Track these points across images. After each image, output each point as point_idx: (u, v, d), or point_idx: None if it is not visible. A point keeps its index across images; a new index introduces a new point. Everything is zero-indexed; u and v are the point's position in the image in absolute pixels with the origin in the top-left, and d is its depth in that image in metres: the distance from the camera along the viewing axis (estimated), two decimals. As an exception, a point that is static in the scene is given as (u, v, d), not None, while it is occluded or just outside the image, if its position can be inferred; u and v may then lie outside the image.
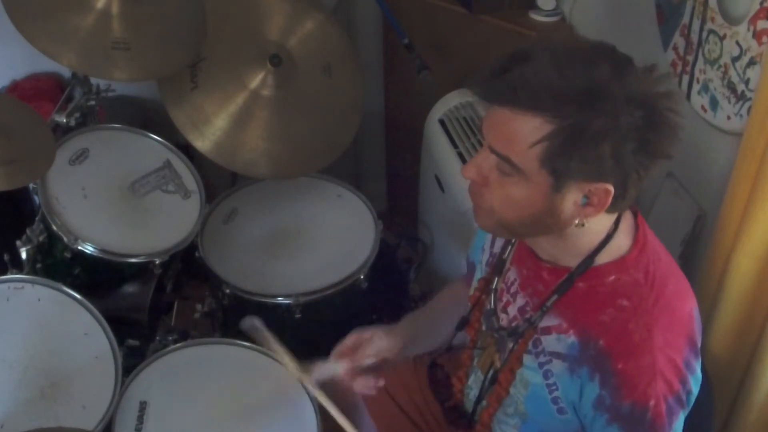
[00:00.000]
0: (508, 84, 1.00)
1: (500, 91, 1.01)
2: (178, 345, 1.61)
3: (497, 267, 1.30)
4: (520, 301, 1.23)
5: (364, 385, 1.35)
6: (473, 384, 1.35)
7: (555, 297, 1.15)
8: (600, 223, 1.12)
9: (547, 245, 1.17)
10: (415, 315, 1.48)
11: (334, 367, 1.35)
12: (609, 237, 1.13)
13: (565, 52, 0.99)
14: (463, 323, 1.37)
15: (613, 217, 1.13)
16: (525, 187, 1.05)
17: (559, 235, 1.12)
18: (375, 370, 1.36)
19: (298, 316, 1.77)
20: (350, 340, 1.36)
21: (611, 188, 1.03)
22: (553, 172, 1.02)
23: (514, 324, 1.23)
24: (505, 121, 1.02)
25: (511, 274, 1.26)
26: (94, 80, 1.96)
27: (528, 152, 1.01)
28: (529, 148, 1.01)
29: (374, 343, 1.35)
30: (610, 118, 0.97)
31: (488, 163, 1.08)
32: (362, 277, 1.83)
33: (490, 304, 1.30)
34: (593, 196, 1.05)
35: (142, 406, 1.49)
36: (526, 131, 1.01)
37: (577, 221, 1.08)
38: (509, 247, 1.28)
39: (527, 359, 1.19)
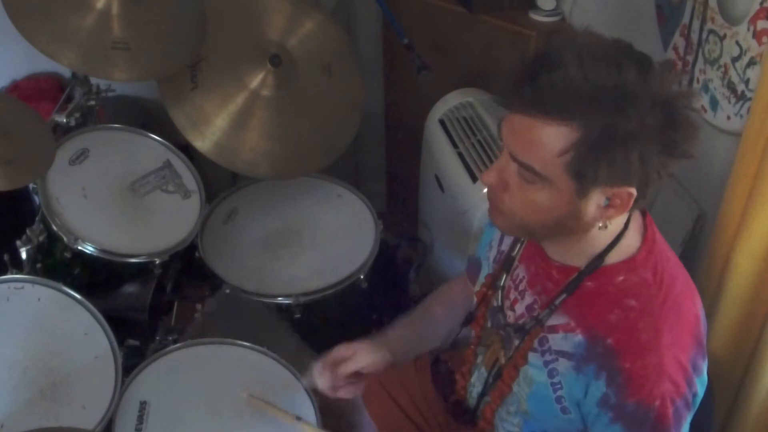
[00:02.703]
0: (535, 93, 0.98)
1: (527, 100, 0.99)
2: (178, 345, 1.61)
3: (506, 264, 1.30)
4: (528, 298, 1.23)
5: (345, 394, 1.35)
6: (477, 381, 1.35)
7: (564, 296, 1.15)
8: (613, 223, 1.11)
9: (559, 245, 1.16)
10: (404, 323, 1.46)
11: (317, 380, 1.35)
12: (619, 237, 1.13)
13: (590, 56, 0.97)
14: (469, 319, 1.37)
15: (625, 217, 1.13)
16: (548, 192, 1.04)
17: (577, 237, 1.12)
18: (357, 377, 1.35)
19: (298, 316, 1.77)
20: (334, 355, 1.35)
21: (634, 191, 1.03)
22: (578, 179, 1.01)
23: (521, 321, 1.23)
24: (530, 129, 1.01)
25: (520, 272, 1.26)
26: (94, 80, 1.97)
27: (554, 161, 1.00)
28: (556, 156, 1.00)
29: (357, 360, 1.34)
30: (637, 122, 0.97)
31: (509, 169, 1.07)
32: (362, 277, 1.83)
33: (497, 300, 1.30)
34: (615, 198, 1.04)
35: (142, 406, 1.49)
36: (552, 139, 0.99)
37: (600, 224, 1.08)
38: (518, 245, 1.28)
39: (532, 357, 1.19)
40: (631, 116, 0.97)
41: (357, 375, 1.35)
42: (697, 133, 1.02)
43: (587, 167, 1.00)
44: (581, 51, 0.98)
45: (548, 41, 1.02)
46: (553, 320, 1.17)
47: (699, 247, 1.68)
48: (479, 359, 1.34)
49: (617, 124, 0.97)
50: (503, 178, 1.08)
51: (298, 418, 1.42)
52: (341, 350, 1.35)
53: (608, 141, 0.97)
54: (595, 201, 1.05)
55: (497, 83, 1.04)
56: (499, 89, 1.04)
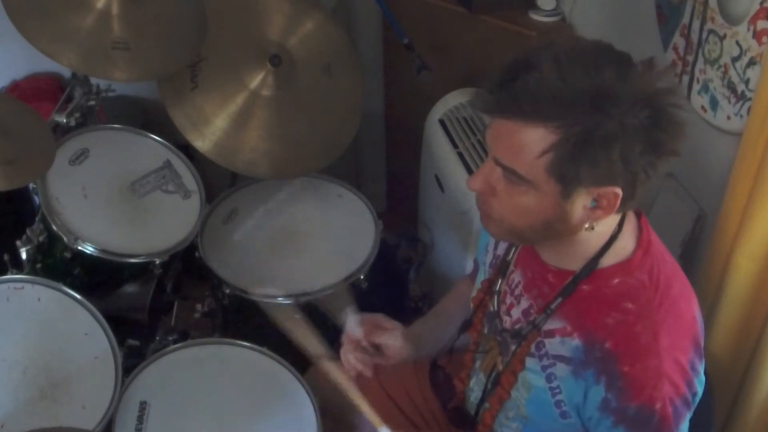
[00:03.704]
0: (511, 96, 0.99)
1: (504, 104, 1.00)
2: (178, 345, 1.61)
3: (501, 269, 1.30)
4: (524, 303, 1.22)
5: (357, 360, 1.34)
6: (475, 386, 1.35)
7: (560, 300, 1.15)
8: (605, 225, 1.11)
9: (553, 250, 1.16)
10: (424, 321, 1.47)
11: (353, 327, 1.36)
12: (613, 239, 1.13)
13: (567, 57, 0.97)
14: (466, 325, 1.37)
15: (617, 219, 1.13)
16: (534, 195, 1.04)
17: (568, 240, 1.12)
18: (373, 354, 1.36)
19: (298, 316, 1.76)
20: (375, 318, 1.37)
21: (620, 191, 1.03)
22: (561, 180, 1.01)
23: (517, 326, 1.23)
24: (510, 133, 1.01)
25: (515, 277, 1.26)
26: (94, 80, 1.97)
27: (535, 163, 1.01)
28: (537, 158, 1.00)
29: (389, 336, 1.35)
30: (616, 121, 0.97)
31: (495, 174, 1.07)
32: (362, 277, 1.83)
33: (494, 306, 1.29)
34: (602, 199, 1.04)
35: (142, 406, 1.49)
36: (532, 142, 1.00)
37: (587, 225, 1.08)
38: (513, 250, 1.28)
39: (530, 362, 1.19)
40: (611, 115, 0.96)
41: (375, 354, 1.35)
42: (683, 129, 1.01)
43: (568, 168, 1.00)
44: (558, 53, 0.98)
45: (526, 47, 1.03)
46: (550, 324, 1.16)
47: (699, 247, 1.68)
48: (477, 364, 1.34)
49: (596, 124, 0.97)
50: (490, 183, 1.08)
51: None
52: (383, 319, 1.37)
53: (588, 141, 0.97)
54: (581, 202, 1.05)
55: (479, 88, 1.04)
56: (477, 95, 1.04)
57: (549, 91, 0.97)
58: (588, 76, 0.96)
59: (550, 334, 1.16)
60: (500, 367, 1.25)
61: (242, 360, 1.60)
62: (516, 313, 1.24)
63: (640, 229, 1.16)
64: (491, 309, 1.30)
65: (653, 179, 1.04)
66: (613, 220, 1.12)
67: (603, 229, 1.12)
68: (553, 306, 1.16)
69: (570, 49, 0.99)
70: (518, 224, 1.09)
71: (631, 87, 0.97)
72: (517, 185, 1.05)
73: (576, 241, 1.12)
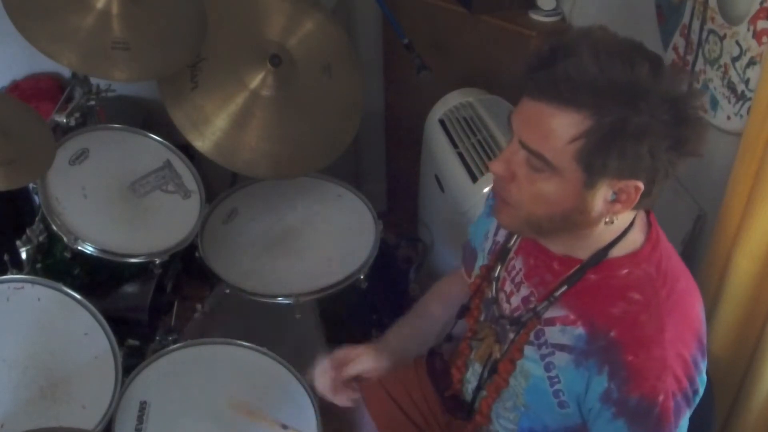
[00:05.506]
0: (550, 79, 0.99)
1: (542, 86, 1.01)
2: (178, 345, 1.61)
3: (501, 255, 1.29)
4: (524, 291, 1.22)
5: (343, 400, 1.35)
6: (471, 376, 1.35)
7: (564, 288, 1.15)
8: (621, 220, 1.12)
9: (562, 241, 1.16)
10: (403, 325, 1.46)
11: (318, 381, 1.36)
12: (625, 233, 1.13)
13: (605, 49, 0.99)
14: (463, 311, 1.37)
15: (632, 215, 1.14)
16: (556, 183, 1.05)
17: (583, 233, 1.12)
18: (356, 380, 1.36)
19: (298, 316, 1.77)
20: (337, 356, 1.36)
21: (641, 185, 1.03)
22: (587, 169, 1.02)
23: (516, 314, 1.23)
24: (542, 116, 1.02)
25: (516, 264, 1.26)
26: (94, 80, 1.97)
27: (564, 149, 1.01)
28: (567, 144, 1.01)
29: (360, 363, 1.35)
30: (648, 115, 0.98)
31: (518, 158, 1.07)
32: (362, 277, 1.83)
33: (492, 292, 1.29)
34: (622, 193, 1.05)
35: (142, 406, 1.49)
36: (564, 127, 1.00)
37: (607, 219, 1.09)
38: (515, 236, 1.28)
39: (528, 350, 1.19)
40: (642, 110, 0.98)
41: (356, 380, 1.36)
42: (706, 132, 1.04)
43: (597, 157, 1.01)
44: (597, 44, 1.00)
45: (564, 33, 1.04)
46: (551, 313, 1.16)
47: (699, 247, 1.68)
48: (472, 354, 1.34)
49: (629, 116, 0.98)
50: (511, 168, 1.08)
51: (284, 427, 1.42)
52: (345, 352, 1.36)
53: (620, 131, 0.99)
54: (602, 194, 1.05)
55: (514, 72, 1.05)
56: (516, 74, 1.05)
57: (588, 79, 0.98)
58: (624, 69, 0.98)
59: (551, 322, 1.16)
60: (497, 355, 1.25)
61: (242, 360, 1.60)
62: (515, 300, 1.24)
63: (648, 225, 1.17)
64: (489, 295, 1.30)
65: (671, 179, 1.05)
66: (629, 215, 1.13)
67: (618, 224, 1.12)
68: (557, 293, 1.15)
69: (607, 42, 1.01)
70: (536, 212, 1.09)
71: (662, 86, 0.99)
72: (540, 171, 1.05)
73: (590, 234, 1.12)
